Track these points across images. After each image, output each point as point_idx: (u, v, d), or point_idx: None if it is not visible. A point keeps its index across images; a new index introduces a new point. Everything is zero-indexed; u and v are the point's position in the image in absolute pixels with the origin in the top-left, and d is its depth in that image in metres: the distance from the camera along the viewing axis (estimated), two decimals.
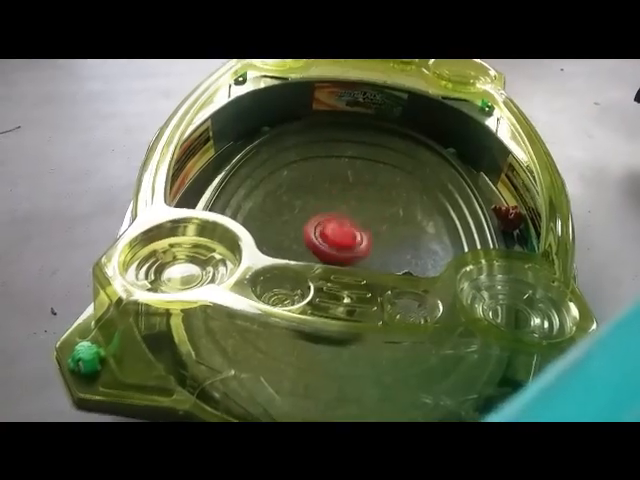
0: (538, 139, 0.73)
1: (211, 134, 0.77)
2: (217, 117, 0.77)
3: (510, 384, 0.44)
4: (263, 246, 0.66)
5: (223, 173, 0.76)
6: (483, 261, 0.49)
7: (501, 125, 0.79)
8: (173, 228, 0.47)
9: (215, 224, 0.48)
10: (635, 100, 0.95)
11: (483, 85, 0.82)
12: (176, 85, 1.06)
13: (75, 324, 0.44)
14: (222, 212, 0.70)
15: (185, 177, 0.74)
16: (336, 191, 0.78)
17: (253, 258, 0.45)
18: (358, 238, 0.60)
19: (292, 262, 0.47)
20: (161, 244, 0.45)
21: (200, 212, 0.52)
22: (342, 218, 0.64)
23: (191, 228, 0.47)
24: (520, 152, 0.74)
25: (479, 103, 0.82)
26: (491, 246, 0.68)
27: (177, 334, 0.44)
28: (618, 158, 0.98)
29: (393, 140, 0.86)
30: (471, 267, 0.47)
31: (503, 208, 0.72)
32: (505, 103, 0.79)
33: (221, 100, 0.78)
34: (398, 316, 0.42)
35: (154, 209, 0.50)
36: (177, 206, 0.67)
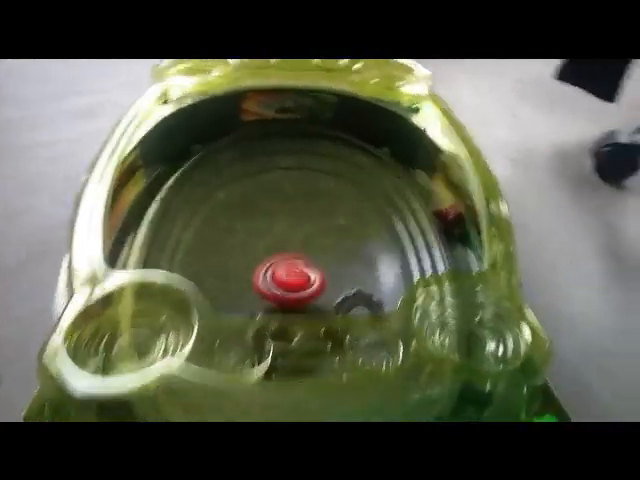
0: (467, 137, 0.75)
1: (141, 162, 0.75)
2: (145, 143, 0.74)
3: (466, 408, 0.45)
4: (210, 278, 0.66)
5: (157, 203, 0.74)
6: (434, 288, 0.49)
7: (430, 123, 0.80)
8: (116, 296, 0.45)
9: (162, 286, 0.47)
10: (556, 78, 0.97)
11: (410, 85, 0.83)
12: (94, 104, 1.02)
13: (26, 409, 0.42)
14: (163, 247, 0.69)
15: (118, 211, 0.71)
16: (274, 207, 0.77)
17: (205, 319, 0.44)
18: (311, 277, 0.60)
19: (246, 317, 0.46)
20: (107, 316, 0.44)
21: (142, 273, 0.50)
22: (290, 258, 0.63)
23: (136, 292, 0.46)
24: (451, 149, 0.75)
25: (408, 103, 0.82)
26: (436, 250, 0.69)
27: (139, 408, 0.43)
28: (544, 136, 1.02)
29: (326, 145, 0.86)
30: (424, 297, 0.48)
31: (443, 209, 0.73)
32: (433, 102, 0.80)
33: (147, 125, 0.75)
34: (360, 360, 0.43)
35: (93, 276, 0.48)
36: (114, 245, 0.66)
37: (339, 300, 0.62)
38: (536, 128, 1.03)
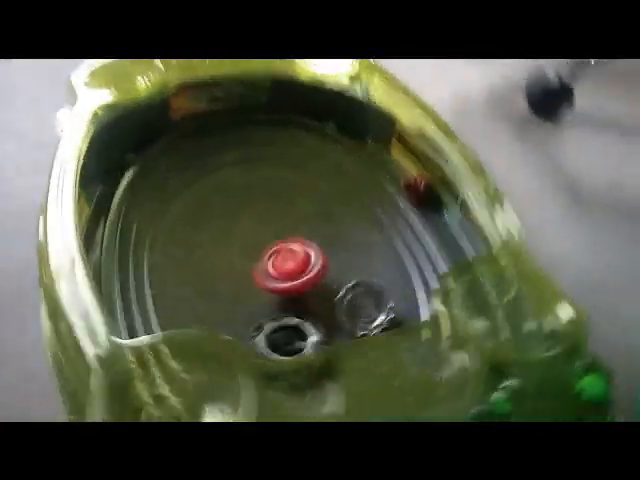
0: (423, 103, 0.73)
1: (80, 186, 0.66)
2: (83, 167, 0.66)
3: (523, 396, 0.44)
4: (201, 298, 0.61)
5: (109, 229, 0.67)
6: (459, 281, 0.48)
7: (377, 93, 0.77)
8: (144, 367, 0.40)
9: (184, 343, 0.42)
10: None
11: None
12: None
13: None
14: (138, 278, 0.62)
15: None
16: (234, 207, 0.72)
17: (250, 372, 0.40)
18: (312, 259, 0.60)
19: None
20: (144, 391, 0.39)
21: (158, 336, 0.44)
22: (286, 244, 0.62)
23: (160, 355, 0.41)
24: (407, 118, 0.73)
25: (346, 75, 0.78)
26: (417, 226, 0.68)
27: None
28: (474, 84, 1.01)
29: (267, 131, 0.80)
30: (452, 294, 0.47)
31: (413, 181, 0.71)
32: (371, 69, 0.77)
33: (83, 147, 0.66)
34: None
35: (110, 351, 0.42)
36: None
37: (341, 294, 0.60)
38: (465, 77, 1.02)
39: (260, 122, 0.81)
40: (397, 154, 0.75)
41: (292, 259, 0.61)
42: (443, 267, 0.63)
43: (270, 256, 0.62)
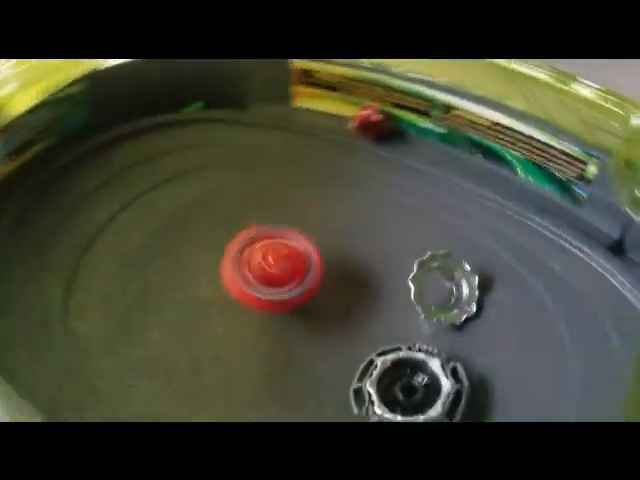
0: None
1: None
2: None
3: None
4: None
5: None
6: None
7: None
8: None
9: None
10: None
11: None
12: None
13: None
14: None
15: None
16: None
17: None
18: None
19: None
20: None
21: None
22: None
23: None
24: None
25: None
26: (413, 172, 0.53)
27: None
28: None
29: (119, 150, 0.56)
30: None
31: (365, 118, 0.54)
32: None
33: None
34: None
35: None
36: None
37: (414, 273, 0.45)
38: None
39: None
40: (307, 101, 0.58)
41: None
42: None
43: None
